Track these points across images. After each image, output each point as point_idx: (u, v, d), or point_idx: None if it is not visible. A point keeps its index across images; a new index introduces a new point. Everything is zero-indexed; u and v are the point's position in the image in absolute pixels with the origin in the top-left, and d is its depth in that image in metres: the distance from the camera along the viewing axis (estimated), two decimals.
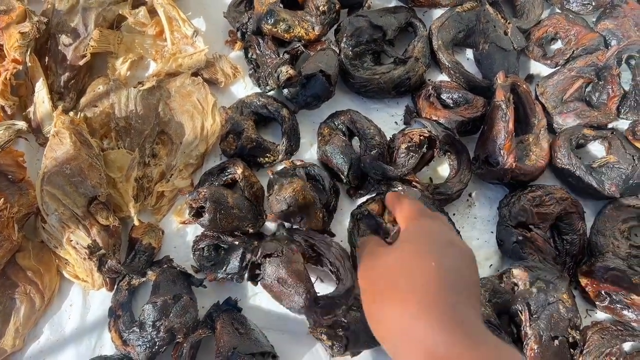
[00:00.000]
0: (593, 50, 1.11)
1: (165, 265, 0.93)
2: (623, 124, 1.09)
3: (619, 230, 0.97)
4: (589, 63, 1.08)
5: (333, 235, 0.96)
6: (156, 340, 0.85)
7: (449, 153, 1.04)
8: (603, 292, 0.90)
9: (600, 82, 1.08)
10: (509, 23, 1.14)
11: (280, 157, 1.03)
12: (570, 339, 0.85)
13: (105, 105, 1.02)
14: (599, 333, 0.87)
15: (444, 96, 1.09)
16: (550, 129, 1.07)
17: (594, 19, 1.21)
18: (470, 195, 1.05)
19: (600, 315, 0.94)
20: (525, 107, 1.05)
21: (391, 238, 0.78)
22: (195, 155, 1.02)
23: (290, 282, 0.80)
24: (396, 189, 0.94)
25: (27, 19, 1.00)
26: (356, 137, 1.05)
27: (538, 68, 1.19)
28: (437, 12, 1.20)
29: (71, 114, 0.96)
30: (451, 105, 1.09)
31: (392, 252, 0.66)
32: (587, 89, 1.11)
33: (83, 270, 0.91)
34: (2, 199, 0.87)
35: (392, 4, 1.22)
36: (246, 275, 0.85)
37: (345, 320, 0.83)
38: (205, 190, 0.90)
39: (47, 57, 1.06)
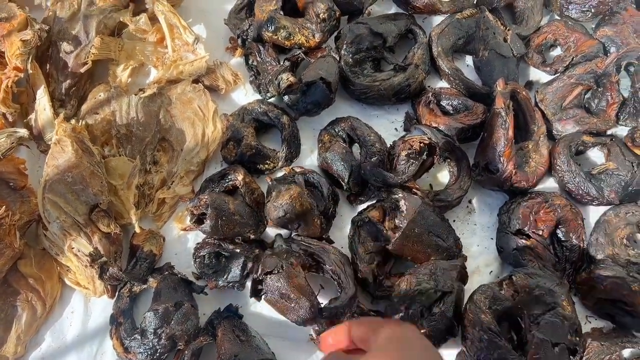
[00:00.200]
0: (592, 57, 1.12)
1: (167, 272, 0.93)
2: (622, 131, 1.10)
3: (618, 237, 0.98)
4: (588, 70, 1.09)
5: (331, 242, 0.97)
6: (158, 347, 0.85)
7: (448, 160, 1.05)
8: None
9: (599, 89, 1.09)
10: (508, 30, 1.15)
11: (280, 164, 1.04)
12: (571, 346, 0.85)
13: (107, 113, 1.02)
14: (598, 340, 0.88)
15: (443, 103, 1.10)
16: (550, 135, 1.07)
17: (593, 26, 1.21)
18: (470, 202, 1.05)
19: (600, 322, 0.94)
20: (525, 114, 1.05)
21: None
22: (196, 162, 1.03)
23: (293, 297, 0.81)
24: (396, 195, 0.94)
25: (29, 26, 1.00)
26: (356, 144, 1.06)
27: (537, 75, 1.19)
28: (437, 19, 1.20)
29: (72, 121, 0.96)
30: (451, 112, 1.09)
31: None
32: (586, 96, 1.11)
33: (84, 277, 0.91)
34: (4, 206, 0.88)
35: (392, 11, 1.22)
36: (249, 292, 0.86)
37: None
38: (206, 197, 0.90)
39: (48, 65, 1.06)
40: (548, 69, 1.16)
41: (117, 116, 1.02)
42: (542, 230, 0.97)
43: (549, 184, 1.07)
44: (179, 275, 0.92)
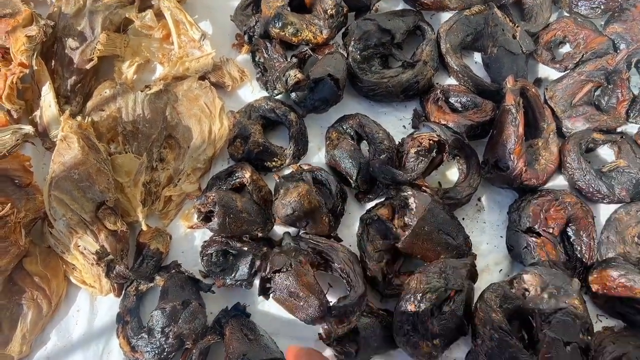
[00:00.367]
0: (602, 54, 1.11)
1: (174, 271, 0.92)
2: (632, 128, 1.09)
3: (629, 235, 0.97)
4: (598, 67, 1.08)
5: (340, 240, 0.96)
6: (165, 346, 0.84)
7: (458, 157, 1.04)
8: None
9: (609, 86, 1.08)
10: (517, 26, 1.14)
11: (287, 161, 1.03)
12: (582, 345, 0.84)
13: (112, 109, 1.01)
14: (610, 338, 0.87)
15: (452, 100, 1.09)
16: (560, 133, 1.06)
17: (603, 23, 1.20)
18: (479, 199, 1.04)
19: (611, 320, 0.93)
20: (535, 111, 1.04)
21: None
22: (203, 160, 1.02)
23: (302, 295, 0.80)
24: (405, 193, 0.93)
25: (34, 22, 0.99)
26: (364, 141, 1.05)
27: (545, 72, 1.18)
28: (445, 16, 1.19)
29: (78, 118, 0.95)
30: (459, 109, 1.08)
31: None
32: (596, 93, 1.10)
33: (90, 275, 0.91)
34: (9, 204, 0.87)
35: (400, 8, 1.21)
36: (258, 291, 0.85)
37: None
38: (213, 195, 0.90)
39: (53, 61, 1.05)
40: (558, 65, 1.15)
41: (123, 113, 1.01)
42: (553, 228, 0.96)
43: (558, 181, 1.06)
44: (186, 274, 0.91)
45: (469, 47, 1.17)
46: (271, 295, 0.83)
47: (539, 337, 0.83)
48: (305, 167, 1.00)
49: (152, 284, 0.92)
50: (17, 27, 0.98)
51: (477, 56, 1.19)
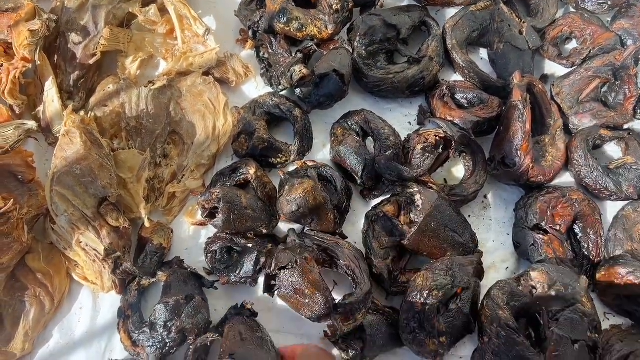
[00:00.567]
0: (609, 50, 1.10)
1: (176, 266, 0.91)
2: None
3: (637, 232, 0.96)
4: (606, 63, 1.07)
5: (345, 237, 0.95)
6: (167, 340, 0.83)
7: (464, 154, 1.03)
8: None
9: (616, 82, 1.07)
10: (523, 22, 1.13)
11: (292, 157, 1.02)
12: (590, 343, 0.83)
13: (116, 105, 1.00)
14: (618, 336, 0.86)
15: (458, 96, 1.08)
16: (566, 129, 1.06)
17: (609, 19, 1.19)
18: (485, 196, 1.03)
19: (619, 318, 0.92)
20: (541, 108, 1.03)
21: None
22: (207, 156, 1.01)
23: (307, 293, 0.79)
24: (411, 190, 0.92)
25: (37, 16, 0.98)
26: (370, 138, 1.04)
27: (552, 68, 1.17)
28: (451, 11, 1.18)
29: (81, 113, 0.95)
30: (465, 105, 1.08)
31: None
32: (603, 89, 1.09)
33: (92, 272, 0.90)
34: (12, 199, 0.86)
35: (405, 3, 1.21)
36: (262, 288, 0.84)
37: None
38: (218, 191, 0.89)
39: (56, 56, 1.04)
40: (564, 62, 1.15)
41: (127, 108, 1.00)
42: (560, 226, 0.95)
43: (565, 178, 1.05)
44: (189, 269, 0.90)
45: (475, 43, 1.16)
46: (276, 292, 0.82)
47: (547, 334, 0.83)
48: (310, 164, 0.99)
49: (154, 280, 0.91)
50: (20, 21, 0.97)
51: (483, 52, 1.18)
